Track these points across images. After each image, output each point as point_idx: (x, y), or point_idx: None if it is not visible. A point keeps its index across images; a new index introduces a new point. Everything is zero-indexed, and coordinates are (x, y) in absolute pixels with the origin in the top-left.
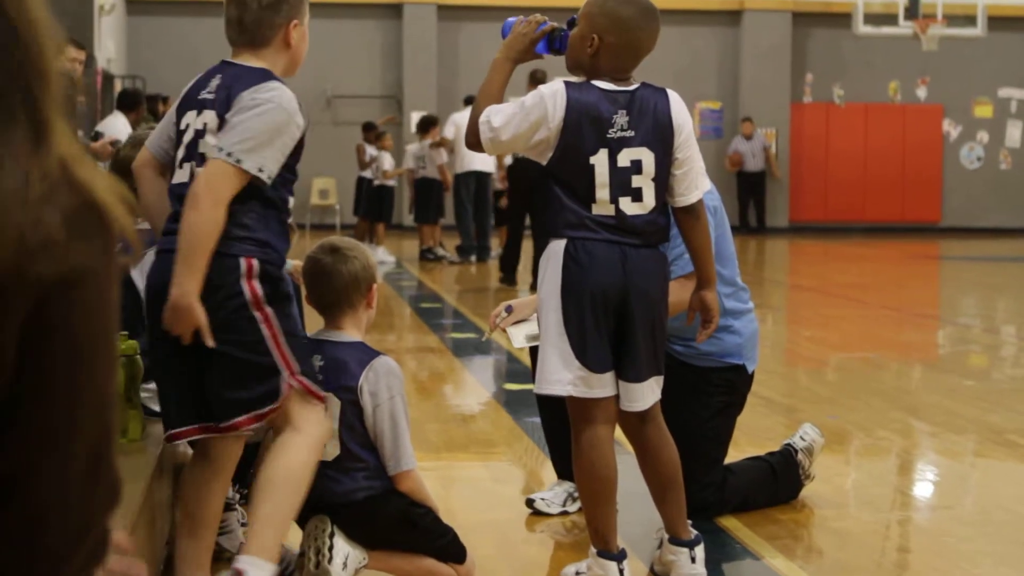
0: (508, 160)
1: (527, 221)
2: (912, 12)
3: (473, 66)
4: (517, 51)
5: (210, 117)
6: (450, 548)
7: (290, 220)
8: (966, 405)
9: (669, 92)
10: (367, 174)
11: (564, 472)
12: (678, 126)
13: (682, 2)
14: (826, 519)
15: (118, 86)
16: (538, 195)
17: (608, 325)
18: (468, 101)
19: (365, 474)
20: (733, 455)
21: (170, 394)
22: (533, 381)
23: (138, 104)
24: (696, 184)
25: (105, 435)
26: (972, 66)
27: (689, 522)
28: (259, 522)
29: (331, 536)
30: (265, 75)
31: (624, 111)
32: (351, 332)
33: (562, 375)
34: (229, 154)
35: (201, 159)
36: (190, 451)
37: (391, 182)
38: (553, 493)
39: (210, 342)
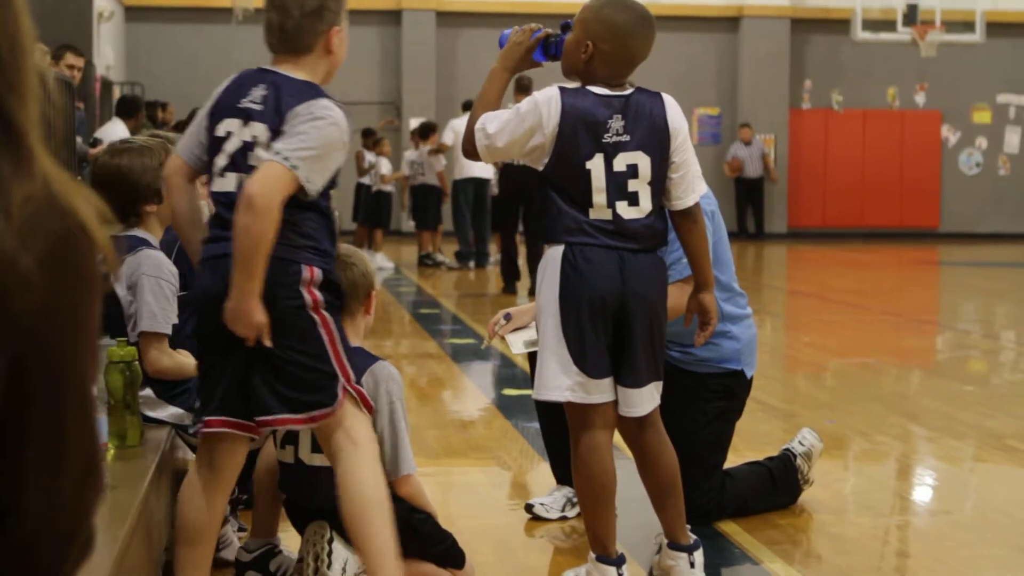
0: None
1: (519, 227)
2: (910, 18)
3: (472, 72)
4: (514, 60)
5: (260, 129)
6: (449, 553)
7: None
8: (965, 410)
9: (664, 96)
10: (366, 180)
11: (563, 477)
12: (674, 130)
13: (681, 8)
14: (825, 524)
15: (117, 93)
16: (532, 200)
17: (607, 331)
18: (467, 107)
19: None
20: (732, 460)
21: (214, 391)
22: (532, 387)
23: (137, 111)
24: (693, 187)
25: (92, 449)
26: (970, 72)
27: (688, 527)
28: (373, 557)
29: (330, 542)
30: (315, 90)
31: (619, 116)
32: (350, 338)
33: (561, 381)
34: (286, 158)
35: (251, 171)
36: (190, 457)
37: (389, 187)
38: (552, 498)
39: (268, 342)
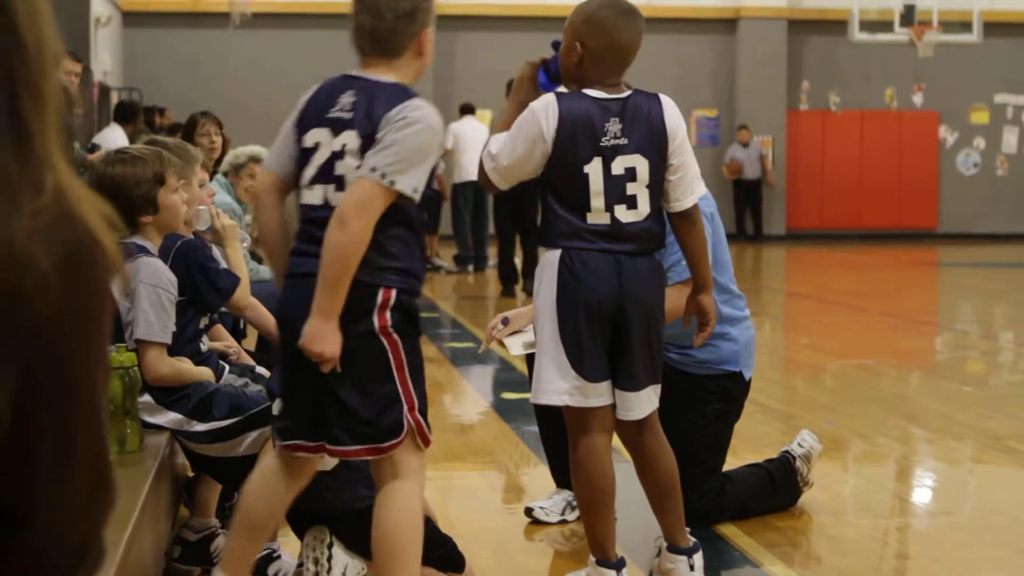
0: None
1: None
2: (908, 19)
3: (470, 75)
4: (521, 93)
5: (350, 138)
6: (449, 557)
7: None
8: (964, 411)
9: (662, 97)
10: None
11: (562, 481)
12: (672, 131)
13: (677, 11)
14: (824, 526)
15: (115, 98)
16: (531, 204)
17: (604, 335)
18: (464, 110)
19: (364, 483)
20: (731, 462)
21: (292, 410)
22: (531, 390)
23: (135, 116)
24: (691, 189)
25: (102, 460)
26: (968, 72)
27: (688, 530)
28: None
29: (330, 546)
30: (405, 92)
31: (617, 119)
32: None
33: (558, 385)
34: (383, 175)
35: (338, 181)
36: (186, 462)
37: None
38: (552, 502)
39: (337, 368)
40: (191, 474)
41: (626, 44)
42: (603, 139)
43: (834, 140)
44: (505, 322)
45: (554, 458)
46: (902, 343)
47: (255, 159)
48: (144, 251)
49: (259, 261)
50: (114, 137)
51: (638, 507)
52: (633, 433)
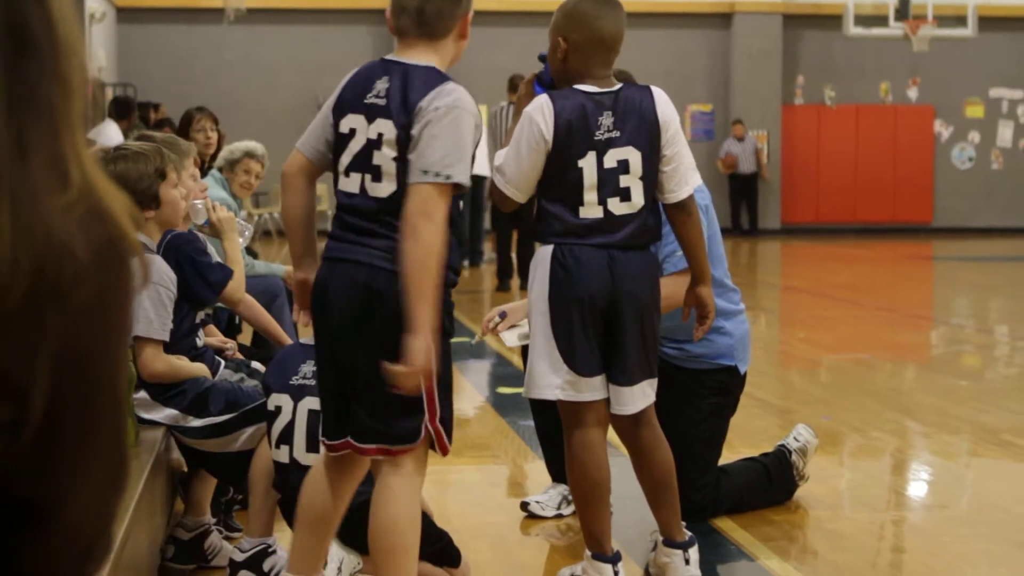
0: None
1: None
2: (902, 13)
3: (469, 71)
4: (523, 108)
5: (386, 127)
6: (445, 552)
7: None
8: (960, 405)
9: (654, 89)
10: None
11: (558, 475)
12: (664, 123)
13: (672, 5)
14: (820, 520)
15: (109, 94)
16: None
17: (597, 329)
18: None
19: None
20: (727, 456)
21: (332, 405)
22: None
23: (130, 112)
24: (686, 180)
25: (120, 453)
26: (963, 67)
27: (684, 524)
28: None
29: None
30: (439, 75)
31: (609, 112)
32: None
33: (551, 379)
34: (437, 174)
35: (375, 171)
36: (181, 457)
37: None
38: (547, 496)
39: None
40: (186, 470)
41: (608, 34)
42: (596, 133)
43: (829, 134)
44: (503, 315)
45: (550, 452)
46: (898, 337)
47: (250, 155)
48: (144, 248)
49: (254, 256)
50: (109, 133)
51: (634, 501)
52: (629, 427)
